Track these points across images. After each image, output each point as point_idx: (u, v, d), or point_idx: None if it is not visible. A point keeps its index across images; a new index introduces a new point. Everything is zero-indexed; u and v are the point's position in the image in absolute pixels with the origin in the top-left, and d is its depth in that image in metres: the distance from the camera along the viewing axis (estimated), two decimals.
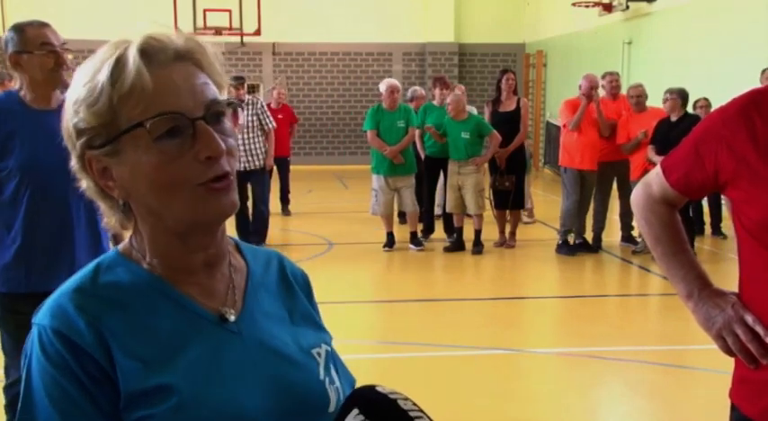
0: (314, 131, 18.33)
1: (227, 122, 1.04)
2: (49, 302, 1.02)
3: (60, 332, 0.98)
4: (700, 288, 1.73)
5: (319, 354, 1.13)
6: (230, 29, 16.51)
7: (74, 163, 1.05)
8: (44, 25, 2.94)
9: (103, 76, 0.99)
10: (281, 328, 1.13)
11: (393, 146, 8.08)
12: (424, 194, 8.74)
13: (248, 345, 1.07)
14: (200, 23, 16.45)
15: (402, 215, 8.93)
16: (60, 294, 1.03)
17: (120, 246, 1.10)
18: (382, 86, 8.37)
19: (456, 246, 8.30)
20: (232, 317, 1.08)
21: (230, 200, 1.03)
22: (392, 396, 0.99)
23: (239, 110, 7.84)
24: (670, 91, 7.60)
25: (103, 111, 0.99)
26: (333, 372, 1.13)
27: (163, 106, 0.98)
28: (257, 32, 16.83)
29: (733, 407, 1.75)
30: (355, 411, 0.98)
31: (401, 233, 8.74)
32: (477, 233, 8.18)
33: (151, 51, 1.00)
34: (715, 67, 10.66)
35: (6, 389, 3.12)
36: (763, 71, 7.75)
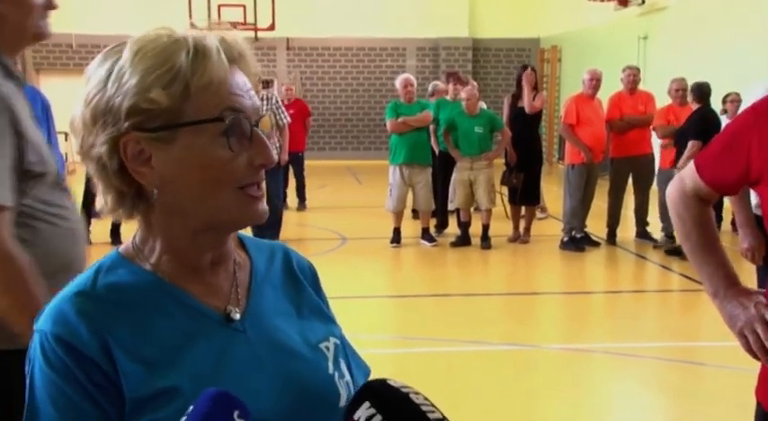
0: (327, 126, 18.34)
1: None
2: (49, 307, 1.00)
3: (62, 338, 0.96)
4: (726, 286, 1.72)
5: (327, 348, 1.12)
6: (244, 24, 16.51)
7: (95, 141, 0.99)
8: None
9: (182, 61, 0.97)
10: (288, 324, 1.11)
11: (411, 139, 8.08)
12: (438, 190, 8.74)
13: (254, 344, 1.05)
14: (214, 18, 16.50)
15: (416, 211, 8.93)
16: (61, 298, 1.01)
17: (122, 248, 1.08)
18: (397, 82, 8.46)
19: (462, 240, 8.29)
20: (237, 316, 1.06)
21: (264, 208, 1.04)
22: (404, 390, 0.99)
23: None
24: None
25: (176, 96, 0.97)
26: (342, 366, 1.12)
27: (235, 104, 0.99)
28: (271, 27, 16.84)
29: (759, 406, 1.75)
30: (366, 404, 0.98)
31: (414, 227, 8.74)
32: (486, 228, 8.17)
33: (225, 48, 1.01)
34: (733, 62, 10.57)
35: None
36: None
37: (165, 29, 1.00)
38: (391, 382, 1.00)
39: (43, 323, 0.99)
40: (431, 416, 0.96)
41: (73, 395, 0.95)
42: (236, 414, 0.90)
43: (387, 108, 8.47)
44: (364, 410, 0.98)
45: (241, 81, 1.02)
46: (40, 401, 0.97)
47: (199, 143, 0.98)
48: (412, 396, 0.98)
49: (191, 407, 0.90)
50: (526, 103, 8.27)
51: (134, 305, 1.01)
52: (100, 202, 1.05)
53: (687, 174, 1.80)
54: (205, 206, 1.01)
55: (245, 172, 1.00)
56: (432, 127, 8.50)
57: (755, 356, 1.67)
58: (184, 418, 0.90)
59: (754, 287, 1.79)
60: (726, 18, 11.01)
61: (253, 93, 1.03)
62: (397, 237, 8.31)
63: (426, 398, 0.99)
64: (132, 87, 0.97)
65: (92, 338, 0.96)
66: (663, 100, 8.36)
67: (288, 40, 17.78)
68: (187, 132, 0.98)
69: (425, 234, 8.39)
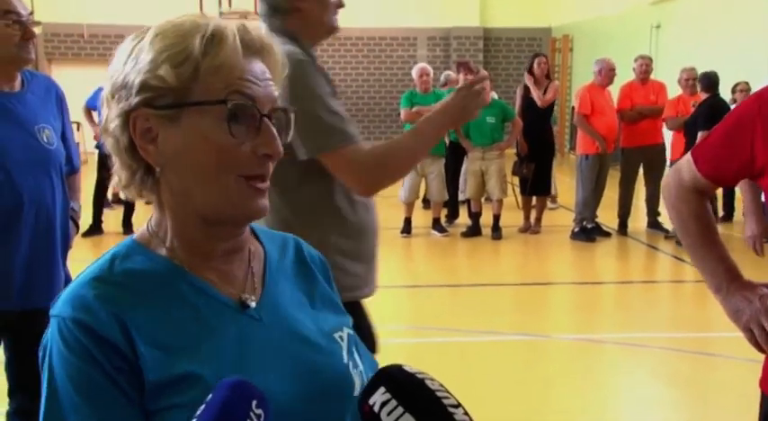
0: None
1: (275, 129, 1.05)
2: (66, 293, 1.01)
3: (82, 322, 0.96)
4: (728, 280, 1.70)
5: (341, 338, 1.13)
6: (255, 13, 16.45)
7: (112, 116, 1.02)
8: None
9: (196, 43, 0.99)
10: (302, 313, 1.12)
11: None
12: (448, 180, 8.73)
13: (270, 331, 1.06)
14: (225, 7, 16.46)
15: (427, 201, 8.93)
16: (78, 284, 1.01)
17: (137, 234, 1.08)
18: (413, 71, 8.47)
19: (473, 231, 8.28)
20: (253, 304, 1.07)
21: (264, 203, 1.04)
22: (419, 375, 0.99)
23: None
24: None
25: (185, 76, 0.98)
26: (356, 356, 1.13)
27: (244, 90, 1.00)
28: None
29: (763, 397, 1.73)
30: (382, 389, 0.98)
31: (425, 218, 8.74)
32: (497, 218, 8.16)
33: (244, 37, 1.02)
34: (746, 51, 10.49)
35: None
36: None
37: (192, 16, 1.03)
38: (407, 368, 1.01)
39: (61, 309, 0.99)
40: (446, 401, 0.97)
41: (94, 376, 0.95)
42: (254, 403, 0.90)
43: (402, 97, 8.46)
44: (380, 395, 0.98)
45: (258, 70, 1.02)
46: (59, 386, 0.96)
47: (202, 125, 0.99)
48: (427, 382, 0.98)
49: (209, 396, 0.90)
50: (536, 97, 8.24)
51: (151, 292, 1.02)
52: (116, 178, 1.07)
53: (684, 167, 1.76)
54: (205, 190, 1.01)
55: (248, 161, 1.00)
56: None
57: (761, 350, 1.65)
58: (203, 407, 0.89)
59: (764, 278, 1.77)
60: (739, 7, 10.92)
61: (271, 83, 1.03)
62: (407, 228, 8.32)
63: (441, 385, 0.99)
64: (145, 65, 0.99)
65: (111, 322, 0.96)
66: (674, 90, 8.31)
67: None
68: (192, 113, 0.99)
69: (436, 224, 8.39)
